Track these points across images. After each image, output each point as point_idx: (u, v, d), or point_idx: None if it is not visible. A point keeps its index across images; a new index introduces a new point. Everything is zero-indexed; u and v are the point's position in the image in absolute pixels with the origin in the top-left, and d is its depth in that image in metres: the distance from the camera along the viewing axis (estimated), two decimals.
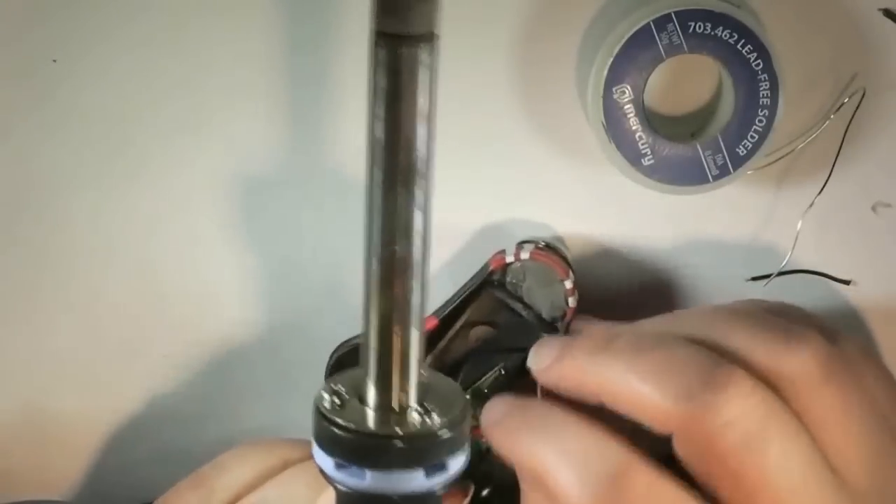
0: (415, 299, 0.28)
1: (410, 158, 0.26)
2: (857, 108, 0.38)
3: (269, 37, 0.39)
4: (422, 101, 0.26)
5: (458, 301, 0.39)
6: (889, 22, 0.38)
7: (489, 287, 0.39)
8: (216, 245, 0.42)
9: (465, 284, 0.40)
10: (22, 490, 0.45)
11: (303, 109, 0.40)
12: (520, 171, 0.40)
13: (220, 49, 0.39)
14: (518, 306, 0.39)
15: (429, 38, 0.26)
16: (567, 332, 0.39)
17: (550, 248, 0.40)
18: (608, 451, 0.31)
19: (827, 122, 0.39)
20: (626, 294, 0.42)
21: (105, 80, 0.40)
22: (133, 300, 0.43)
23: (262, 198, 0.41)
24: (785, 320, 0.34)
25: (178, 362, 0.44)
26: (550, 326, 0.39)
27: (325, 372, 0.40)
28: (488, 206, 0.41)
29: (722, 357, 0.32)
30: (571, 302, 0.39)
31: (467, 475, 0.34)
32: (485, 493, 0.38)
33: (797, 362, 0.32)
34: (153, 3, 0.39)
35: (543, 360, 0.34)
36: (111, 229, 0.42)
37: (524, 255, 0.39)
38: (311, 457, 0.35)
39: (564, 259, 0.40)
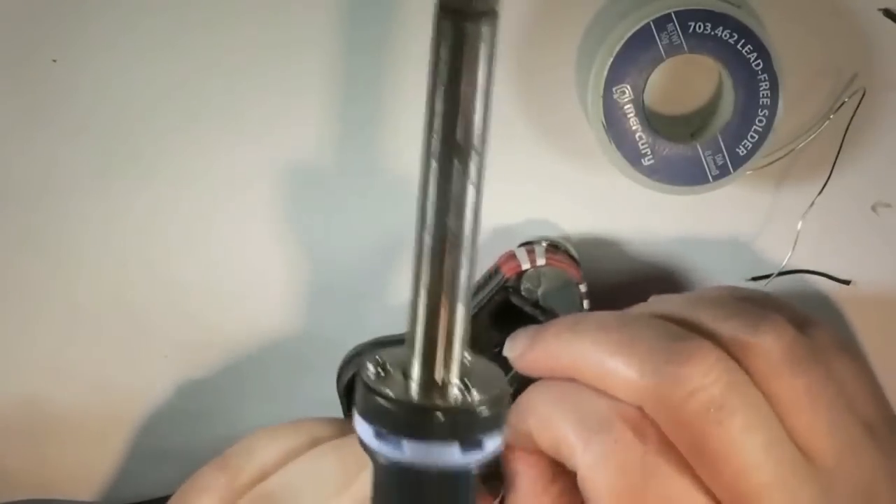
0: (463, 275, 0.28)
1: (468, 133, 0.27)
2: (857, 108, 0.38)
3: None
4: (481, 77, 0.27)
5: (475, 310, 0.39)
6: (889, 22, 0.38)
7: (504, 294, 0.39)
8: (217, 245, 0.42)
9: (480, 293, 0.40)
10: (22, 490, 0.45)
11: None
12: (519, 171, 0.40)
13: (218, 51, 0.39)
14: (536, 313, 0.39)
15: (491, 15, 0.26)
16: None
17: (559, 249, 0.40)
18: None
19: (827, 122, 0.39)
20: (626, 294, 0.42)
21: (105, 79, 0.39)
22: (133, 300, 0.43)
23: (270, 199, 0.41)
24: (752, 305, 0.34)
25: (180, 362, 0.44)
26: None
27: (339, 391, 0.40)
28: (488, 205, 0.41)
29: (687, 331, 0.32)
30: (586, 304, 0.39)
31: (497, 477, 0.35)
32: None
33: (760, 346, 0.32)
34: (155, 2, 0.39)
35: (517, 347, 0.35)
36: (111, 229, 0.42)
37: (540, 262, 0.39)
38: (339, 435, 0.36)
39: (574, 260, 0.40)
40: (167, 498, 0.37)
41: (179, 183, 0.41)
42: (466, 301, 0.29)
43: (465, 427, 0.28)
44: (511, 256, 0.39)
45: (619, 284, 0.42)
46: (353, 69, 0.39)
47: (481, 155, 0.27)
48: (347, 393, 0.40)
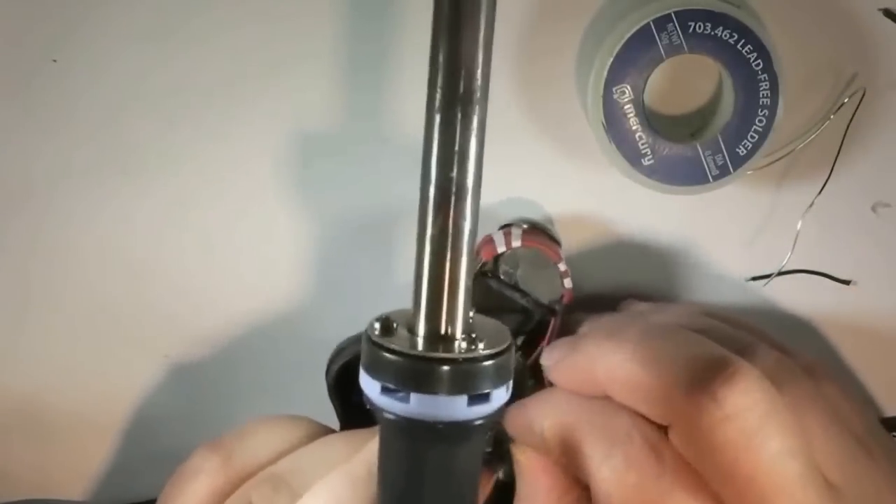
0: (467, 226, 0.29)
1: (470, 84, 0.28)
2: (857, 108, 0.38)
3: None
4: (482, 29, 0.28)
5: None
6: (889, 22, 0.38)
7: (482, 278, 0.39)
8: (217, 245, 0.42)
9: None
10: (22, 490, 0.45)
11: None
12: (519, 171, 0.40)
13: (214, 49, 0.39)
14: (516, 295, 0.39)
15: None
16: (567, 314, 0.39)
17: (537, 230, 0.40)
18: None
19: (827, 122, 0.39)
20: (626, 294, 0.42)
21: (105, 79, 0.39)
22: (133, 300, 0.43)
23: (261, 199, 0.41)
24: (730, 327, 0.35)
25: (179, 362, 0.44)
26: (550, 310, 0.39)
27: (328, 383, 0.40)
28: (488, 205, 0.41)
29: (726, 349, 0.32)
30: (567, 283, 0.39)
31: (495, 458, 0.35)
32: (501, 474, 0.38)
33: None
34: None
35: (555, 355, 0.35)
36: (111, 229, 0.42)
37: (516, 243, 0.39)
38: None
39: (553, 238, 0.40)
40: None
41: (179, 183, 0.41)
42: (470, 252, 0.29)
43: (471, 379, 0.28)
44: (489, 241, 0.39)
45: (619, 284, 0.42)
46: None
47: (483, 106, 0.28)
48: (337, 388, 0.39)
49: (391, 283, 0.42)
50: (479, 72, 0.28)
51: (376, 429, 0.34)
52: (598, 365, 0.33)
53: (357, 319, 0.40)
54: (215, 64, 0.39)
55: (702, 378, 0.30)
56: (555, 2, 0.38)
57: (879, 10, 0.38)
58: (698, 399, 0.30)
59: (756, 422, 0.30)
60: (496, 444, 0.35)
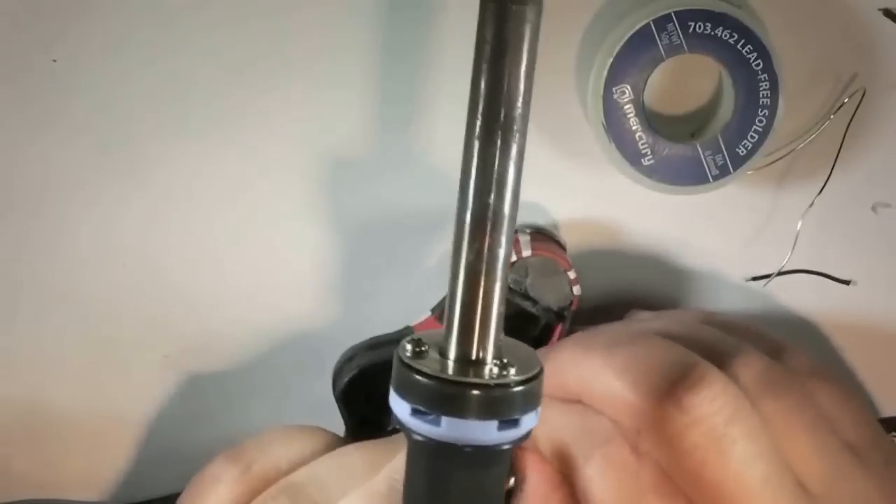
0: (502, 254, 0.29)
1: (511, 112, 0.28)
2: (857, 108, 0.38)
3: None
4: (525, 58, 0.28)
5: None
6: (889, 22, 0.38)
7: None
8: (216, 246, 0.42)
9: None
10: (24, 490, 0.45)
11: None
12: None
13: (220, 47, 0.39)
14: (526, 304, 0.39)
15: None
16: (574, 321, 0.39)
17: (544, 236, 0.40)
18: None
19: (827, 122, 0.39)
20: (626, 294, 0.42)
21: (105, 79, 0.39)
22: (133, 300, 0.43)
23: (262, 200, 0.41)
24: (724, 334, 0.34)
25: (179, 362, 0.44)
26: (559, 317, 0.39)
27: (336, 393, 0.40)
28: None
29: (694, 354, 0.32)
30: (576, 290, 0.39)
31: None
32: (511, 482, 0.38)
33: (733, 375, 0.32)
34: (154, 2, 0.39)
35: None
36: (111, 229, 0.42)
37: (526, 253, 0.39)
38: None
39: (560, 244, 0.40)
40: (168, 498, 0.37)
41: (180, 183, 0.41)
42: (503, 280, 0.29)
43: (502, 404, 0.28)
44: None
45: (619, 284, 0.42)
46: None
47: (523, 135, 0.28)
48: (346, 398, 0.40)
49: (392, 286, 0.42)
50: (520, 100, 0.28)
51: (391, 440, 0.34)
52: (568, 374, 0.33)
53: (357, 317, 0.40)
54: (217, 64, 0.39)
55: (667, 385, 0.31)
56: (555, 2, 0.38)
57: (879, 10, 0.38)
58: (664, 406, 0.30)
59: (721, 427, 0.30)
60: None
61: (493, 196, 0.28)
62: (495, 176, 0.28)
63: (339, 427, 0.39)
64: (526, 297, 0.39)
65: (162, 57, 0.39)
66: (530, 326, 0.40)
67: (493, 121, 0.28)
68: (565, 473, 0.33)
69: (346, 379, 0.40)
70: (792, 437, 0.32)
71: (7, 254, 0.42)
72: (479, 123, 0.28)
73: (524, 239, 0.39)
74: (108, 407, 0.44)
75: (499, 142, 0.28)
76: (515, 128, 0.28)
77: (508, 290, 0.39)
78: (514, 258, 0.39)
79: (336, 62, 0.39)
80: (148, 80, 0.40)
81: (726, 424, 0.30)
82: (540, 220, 0.41)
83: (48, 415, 0.44)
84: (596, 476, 0.32)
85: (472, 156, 0.28)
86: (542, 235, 0.40)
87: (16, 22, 0.39)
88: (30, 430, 0.45)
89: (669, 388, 0.31)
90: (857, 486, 0.32)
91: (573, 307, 0.39)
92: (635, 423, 0.31)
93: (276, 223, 0.41)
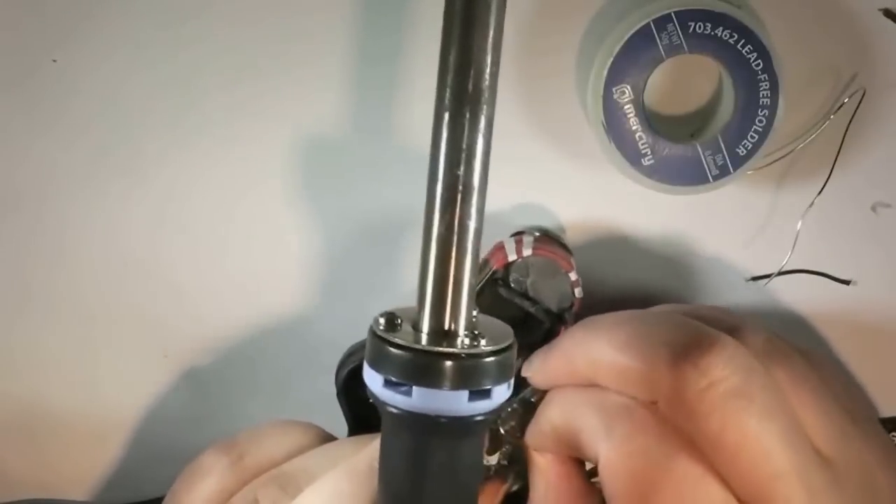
0: (472, 225, 0.29)
1: (479, 84, 0.28)
2: (857, 108, 0.38)
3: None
4: (492, 30, 0.28)
5: None
6: (889, 22, 0.38)
7: (493, 286, 0.39)
8: (216, 246, 0.42)
9: None
10: (22, 490, 0.45)
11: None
12: (519, 171, 0.40)
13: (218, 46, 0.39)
14: (526, 304, 0.39)
15: None
16: (574, 323, 0.39)
17: (548, 238, 0.40)
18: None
19: (827, 122, 0.39)
20: (626, 294, 0.42)
21: (105, 79, 0.40)
22: (133, 300, 0.43)
23: (262, 199, 0.41)
24: (722, 310, 0.35)
25: (180, 362, 0.44)
26: (559, 319, 0.39)
27: (337, 387, 0.40)
28: (488, 205, 0.41)
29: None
30: (578, 292, 0.39)
31: (505, 469, 0.35)
32: (515, 487, 0.38)
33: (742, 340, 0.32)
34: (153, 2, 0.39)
35: (534, 364, 0.35)
36: (111, 229, 0.42)
37: (527, 252, 0.39)
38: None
39: (564, 247, 0.40)
40: None
41: (180, 183, 0.41)
42: (475, 251, 0.29)
43: (473, 374, 0.29)
44: (499, 248, 0.39)
45: (620, 284, 0.42)
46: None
47: (491, 105, 0.28)
48: (346, 392, 0.40)
49: (393, 284, 0.42)
50: (487, 71, 0.28)
51: None
52: (577, 357, 0.33)
53: (358, 316, 0.40)
54: (217, 64, 0.39)
55: (683, 351, 0.31)
56: (555, 1, 0.38)
57: (879, 10, 0.38)
58: (681, 370, 0.30)
59: (740, 387, 0.30)
60: (512, 459, 0.36)
61: (462, 168, 0.28)
62: (465, 147, 0.28)
63: (337, 427, 0.39)
64: (526, 297, 0.39)
65: (162, 58, 0.39)
66: (533, 331, 0.40)
67: (462, 92, 0.28)
68: (580, 460, 0.33)
69: (344, 373, 0.40)
70: (800, 403, 0.32)
71: (7, 254, 0.42)
72: (447, 95, 0.28)
73: (527, 239, 0.39)
74: (107, 407, 0.44)
75: (468, 114, 0.28)
76: (484, 99, 0.28)
77: (509, 290, 0.39)
78: (514, 257, 0.39)
79: (336, 63, 0.39)
80: (148, 81, 0.40)
81: (743, 384, 0.30)
82: (540, 221, 0.41)
83: (47, 414, 0.44)
84: (619, 448, 0.31)
85: (441, 128, 0.28)
86: (548, 238, 0.40)
87: (16, 22, 0.39)
88: (29, 430, 0.45)
89: (684, 353, 0.31)
90: (863, 453, 0.33)
91: (574, 309, 0.39)
92: (651, 394, 0.31)
93: (276, 223, 0.41)
